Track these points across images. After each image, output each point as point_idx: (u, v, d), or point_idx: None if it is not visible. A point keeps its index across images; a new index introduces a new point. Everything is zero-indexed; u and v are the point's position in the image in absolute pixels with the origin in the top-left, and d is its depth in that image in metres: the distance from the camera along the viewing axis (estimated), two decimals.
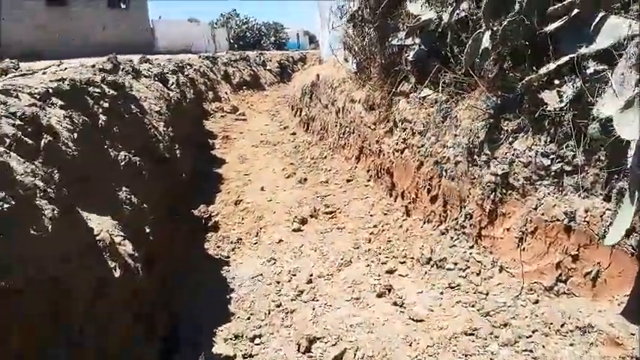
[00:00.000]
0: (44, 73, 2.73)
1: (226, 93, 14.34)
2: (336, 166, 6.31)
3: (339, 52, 7.01)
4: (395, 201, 4.71)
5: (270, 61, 20.16)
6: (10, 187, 1.36)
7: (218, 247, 4.13)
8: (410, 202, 4.35)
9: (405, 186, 4.47)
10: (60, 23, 20.17)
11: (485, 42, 3.02)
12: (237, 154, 7.58)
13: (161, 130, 4.77)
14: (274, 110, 12.59)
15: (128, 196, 2.37)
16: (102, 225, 1.92)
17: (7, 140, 1.57)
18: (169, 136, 4.98)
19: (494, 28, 3.00)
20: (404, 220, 4.30)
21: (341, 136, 6.63)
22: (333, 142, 6.95)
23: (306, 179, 6.01)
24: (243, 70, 17.08)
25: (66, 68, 3.12)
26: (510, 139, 3.03)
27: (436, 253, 3.53)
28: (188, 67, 11.52)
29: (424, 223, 4.07)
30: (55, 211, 1.48)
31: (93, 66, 3.52)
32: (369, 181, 5.46)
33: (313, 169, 6.49)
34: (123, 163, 2.53)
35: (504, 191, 3.07)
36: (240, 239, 4.27)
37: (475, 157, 3.35)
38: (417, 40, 4.18)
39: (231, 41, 31.85)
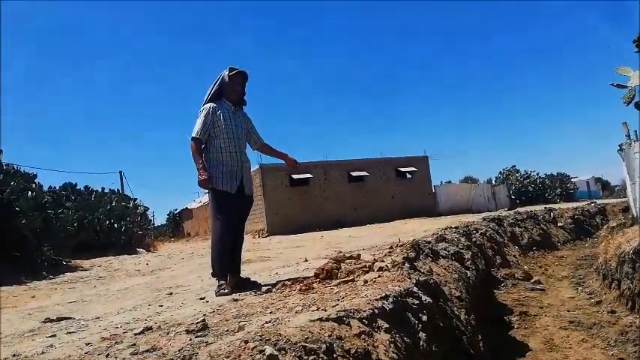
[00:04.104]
0: (365, 282, 2.82)
1: (515, 256, 13.31)
2: None
3: None
4: None
5: (562, 216, 18.27)
6: None
7: None
8: None
9: None
10: (357, 196, 23.72)
11: None
12: (542, 339, 6.43)
13: (463, 319, 4.38)
14: (577, 277, 10.77)
15: None
16: None
17: None
18: (471, 326, 4.52)
19: None
20: None
21: None
22: None
23: None
24: (532, 229, 15.84)
25: (381, 268, 3.19)
26: None
27: None
28: (475, 232, 11.28)
29: None
30: None
31: (401, 258, 3.56)
32: None
33: None
34: None
35: None
36: None
37: None
38: None
39: (512, 197, 30.92)
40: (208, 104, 4.23)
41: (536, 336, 6.61)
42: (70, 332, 2.96)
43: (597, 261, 10.14)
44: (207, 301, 3.56)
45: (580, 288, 9.50)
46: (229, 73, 4.29)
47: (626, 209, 14.05)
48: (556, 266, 12.77)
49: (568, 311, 7.67)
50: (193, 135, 4.10)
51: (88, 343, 2.38)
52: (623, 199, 19.01)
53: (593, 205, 22.27)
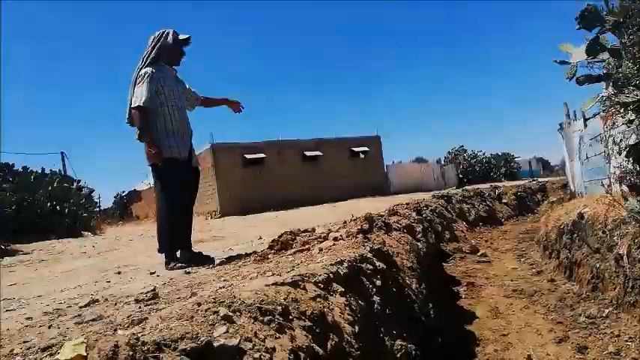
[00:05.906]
0: (320, 250, 2.82)
1: (462, 231, 13.85)
2: (627, 332, 4.90)
3: (614, 188, 5.95)
4: None
5: (506, 194, 19.12)
6: None
7: None
8: None
9: None
10: (312, 175, 23.77)
11: None
12: (488, 307, 6.74)
13: (414, 288, 4.50)
14: (519, 250, 11.37)
15: None
16: None
17: (302, 354, 1.45)
18: (423, 294, 4.66)
19: None
20: None
21: (628, 291, 5.26)
22: (615, 297, 5.57)
23: (586, 347, 4.78)
24: (478, 205, 16.50)
25: (336, 238, 3.21)
26: None
27: None
28: (425, 208, 11.60)
29: None
30: None
31: (352, 229, 3.60)
32: None
33: (593, 333, 5.19)
34: (399, 355, 2.26)
35: None
36: None
37: None
38: None
39: (460, 176, 32.05)
40: (148, 68, 3.89)
41: (482, 304, 6.93)
42: (9, 310, 2.78)
43: (538, 234, 10.73)
44: (158, 275, 3.44)
45: (522, 259, 10.03)
46: (173, 37, 4.03)
47: (565, 185, 14.92)
48: (501, 240, 13.41)
49: (511, 281, 8.08)
50: (140, 103, 3.72)
51: (29, 318, 2.24)
52: (562, 177, 20.14)
53: (535, 182, 23.46)
